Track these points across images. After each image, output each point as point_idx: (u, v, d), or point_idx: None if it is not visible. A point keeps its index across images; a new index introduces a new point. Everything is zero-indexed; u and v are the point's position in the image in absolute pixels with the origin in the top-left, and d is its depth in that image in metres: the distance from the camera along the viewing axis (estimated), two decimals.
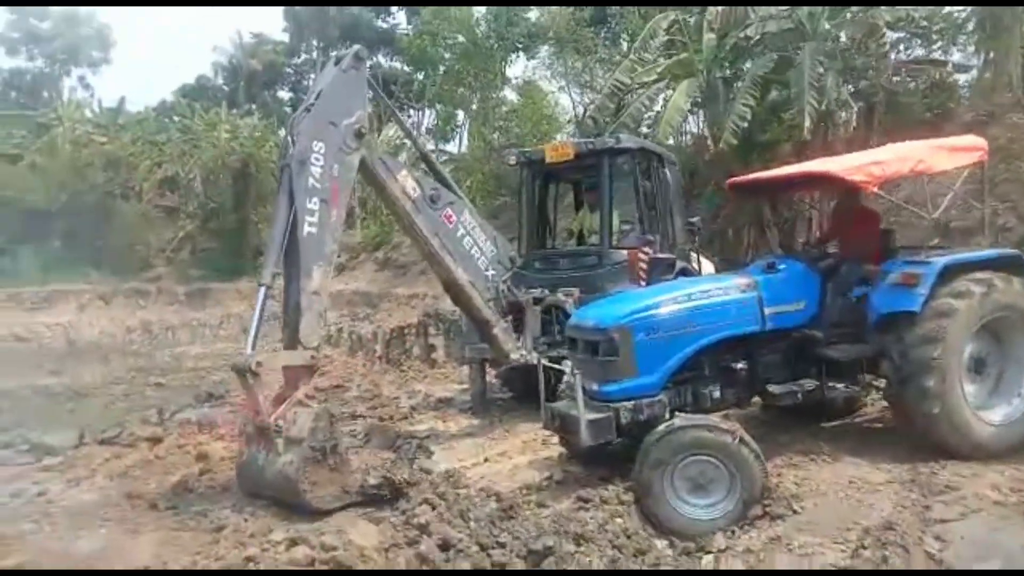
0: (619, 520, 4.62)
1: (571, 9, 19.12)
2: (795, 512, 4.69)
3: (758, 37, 12.83)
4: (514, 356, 7.68)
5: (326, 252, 6.11)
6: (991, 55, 14.89)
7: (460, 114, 26.92)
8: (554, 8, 20.59)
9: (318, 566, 4.36)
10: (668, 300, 5.40)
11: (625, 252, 7.92)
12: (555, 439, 6.95)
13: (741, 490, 4.74)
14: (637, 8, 16.72)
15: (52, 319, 22.56)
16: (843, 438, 6.19)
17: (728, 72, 12.77)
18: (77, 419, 10.26)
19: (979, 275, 5.54)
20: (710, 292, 5.51)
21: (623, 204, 8.84)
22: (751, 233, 13.21)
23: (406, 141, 26.99)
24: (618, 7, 17.95)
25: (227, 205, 24.46)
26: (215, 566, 4.52)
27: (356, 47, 6.83)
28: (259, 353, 5.77)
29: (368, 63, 6.76)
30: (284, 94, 38.37)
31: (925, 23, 13.61)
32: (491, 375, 9.03)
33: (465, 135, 28.77)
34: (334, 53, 8.14)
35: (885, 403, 6.70)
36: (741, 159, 12.84)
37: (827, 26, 12.43)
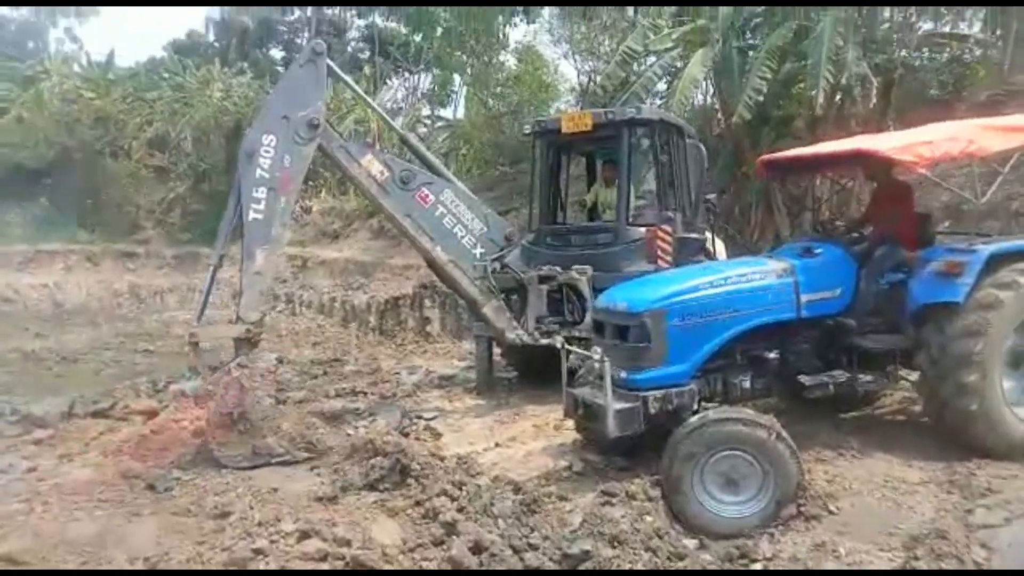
0: (648, 518, 4.38)
1: None
2: (831, 513, 4.49)
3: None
4: (509, 336, 7.53)
5: (272, 236, 6.53)
6: (1007, 32, 14.54)
7: (457, 79, 26.33)
8: None
9: (331, 562, 4.11)
10: (704, 284, 5.12)
11: (643, 230, 7.61)
12: (568, 424, 6.70)
13: (775, 488, 4.52)
14: None
15: (38, 280, 22.04)
16: (868, 431, 5.97)
17: (744, 42, 12.31)
18: (66, 386, 9.97)
19: None
20: (747, 276, 5.23)
21: (640, 179, 8.52)
22: (759, 213, 12.88)
23: (402, 104, 26.58)
24: None
25: (219, 167, 23.79)
26: (221, 558, 4.26)
27: (314, 41, 7.28)
28: (201, 326, 6.61)
29: (326, 55, 7.09)
30: (277, 52, 37.39)
31: None
32: (497, 353, 8.78)
33: (462, 100, 28.22)
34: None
35: (905, 395, 6.54)
36: (752, 134, 12.48)
37: None
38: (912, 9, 11.33)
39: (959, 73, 13.61)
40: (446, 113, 30.06)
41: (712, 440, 4.55)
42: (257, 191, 6.49)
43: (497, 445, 6.38)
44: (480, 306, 7.58)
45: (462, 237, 7.53)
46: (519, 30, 24.46)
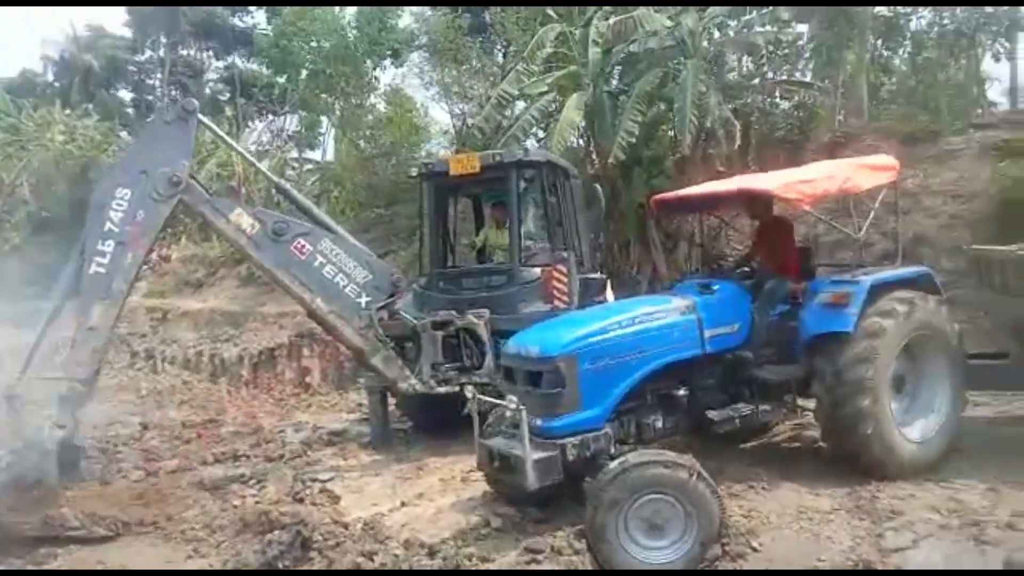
0: None
1: (449, 15, 18.72)
2: (755, 550, 4.51)
3: (642, 52, 12.99)
4: (402, 386, 7.25)
5: (112, 290, 6.33)
6: (835, 82, 16.02)
7: (325, 120, 25.82)
8: (429, 13, 20.14)
9: None
10: (613, 325, 5.08)
11: (538, 270, 7.57)
12: (475, 476, 6.46)
13: (699, 529, 4.47)
14: (518, 19, 16.52)
15: None
16: (770, 461, 6.11)
17: (614, 87, 12.77)
18: None
19: (901, 294, 5.64)
20: (653, 315, 5.25)
21: (528, 220, 8.50)
22: (636, 249, 13.29)
23: (267, 147, 25.63)
24: (499, 15, 17.69)
25: (63, 215, 21.84)
26: None
27: (186, 99, 7.15)
28: (22, 382, 6.23)
29: (197, 112, 6.92)
30: (125, 94, 35.23)
31: (771, 48, 14.27)
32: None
33: (331, 142, 27.68)
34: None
35: (796, 422, 6.79)
36: (626, 174, 12.88)
37: (707, 44, 12.75)
38: (763, 58, 12.17)
39: (804, 118, 14.77)
40: (314, 155, 29.39)
41: (635, 485, 4.45)
42: (103, 244, 6.30)
43: (403, 504, 6.01)
44: (368, 357, 7.25)
45: (344, 287, 7.17)
46: (388, 73, 24.43)
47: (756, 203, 6.26)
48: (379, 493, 6.41)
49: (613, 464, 4.56)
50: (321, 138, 29.19)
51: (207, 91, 32.27)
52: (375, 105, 23.30)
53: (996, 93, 23.58)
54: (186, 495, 6.59)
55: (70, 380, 6.12)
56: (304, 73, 23.22)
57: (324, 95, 23.35)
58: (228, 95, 31.83)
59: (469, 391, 5.33)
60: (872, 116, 15.92)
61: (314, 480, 6.72)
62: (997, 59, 21.04)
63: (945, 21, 19.02)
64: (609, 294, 8.31)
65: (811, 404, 5.79)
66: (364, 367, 7.64)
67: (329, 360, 13.18)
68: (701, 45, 12.74)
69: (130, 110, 33.24)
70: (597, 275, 7.54)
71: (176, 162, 6.57)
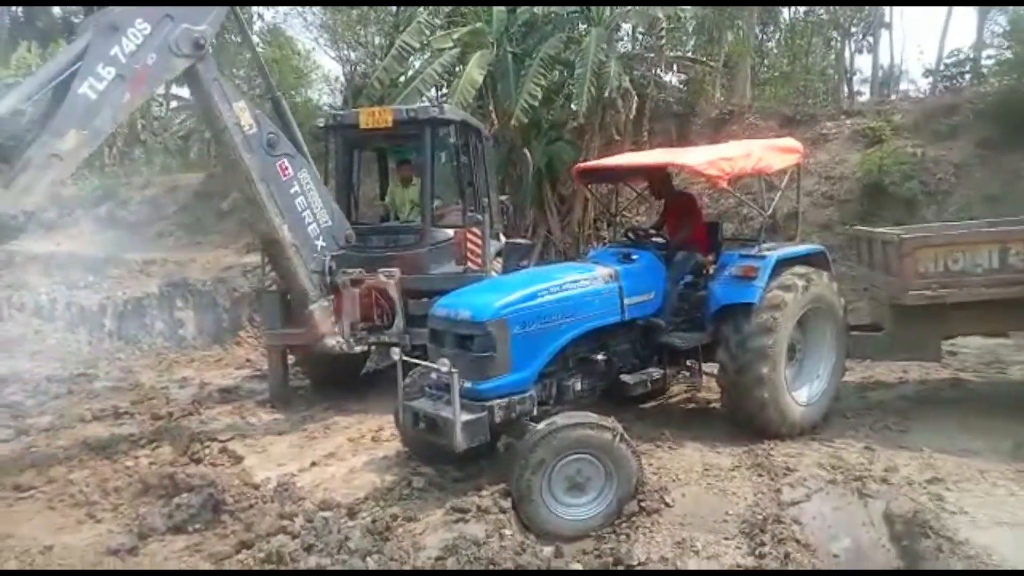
0: (507, 531, 4.30)
1: None
2: (668, 505, 4.75)
3: (545, 15, 12.99)
4: (329, 342, 6.94)
5: (95, 124, 5.39)
6: (717, 60, 16.77)
7: None
8: None
9: None
10: (542, 290, 5.13)
11: (451, 231, 7.50)
12: (385, 435, 6.45)
13: (618, 487, 4.68)
14: None
15: None
16: (672, 421, 6.47)
17: (519, 48, 12.72)
18: None
19: (799, 269, 6.06)
20: (579, 282, 5.36)
21: (441, 179, 8.38)
22: (532, 213, 13.45)
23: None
24: None
25: None
26: None
27: None
28: None
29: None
30: None
31: (670, 23, 14.71)
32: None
33: None
34: None
35: (689, 384, 7.19)
36: (525, 137, 12.95)
37: (610, 13, 12.92)
38: (662, 31, 12.49)
39: (695, 92, 15.38)
40: (183, 92, 27.36)
41: (562, 446, 4.58)
42: (104, 69, 5.33)
43: (314, 464, 5.87)
44: (310, 302, 6.81)
45: (309, 223, 6.77)
46: (268, 12, 23.02)
47: (657, 181, 6.51)
48: (286, 453, 6.23)
49: (541, 426, 4.67)
50: None
51: (59, 11, 29.16)
52: (256, 45, 21.94)
53: (858, 81, 25.54)
54: (69, 456, 6.12)
55: (13, 200, 5.17)
56: None
57: None
58: (82, 16, 28.86)
59: (395, 352, 5.25)
60: (753, 97, 16.80)
61: (212, 439, 6.41)
62: (860, 51, 22.72)
63: (820, 12, 20.25)
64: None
65: (714, 369, 6.16)
66: (295, 316, 7.11)
67: (205, 312, 12.55)
68: (605, 14, 12.91)
69: None
70: (524, 240, 7.56)
71: (204, 21, 5.86)
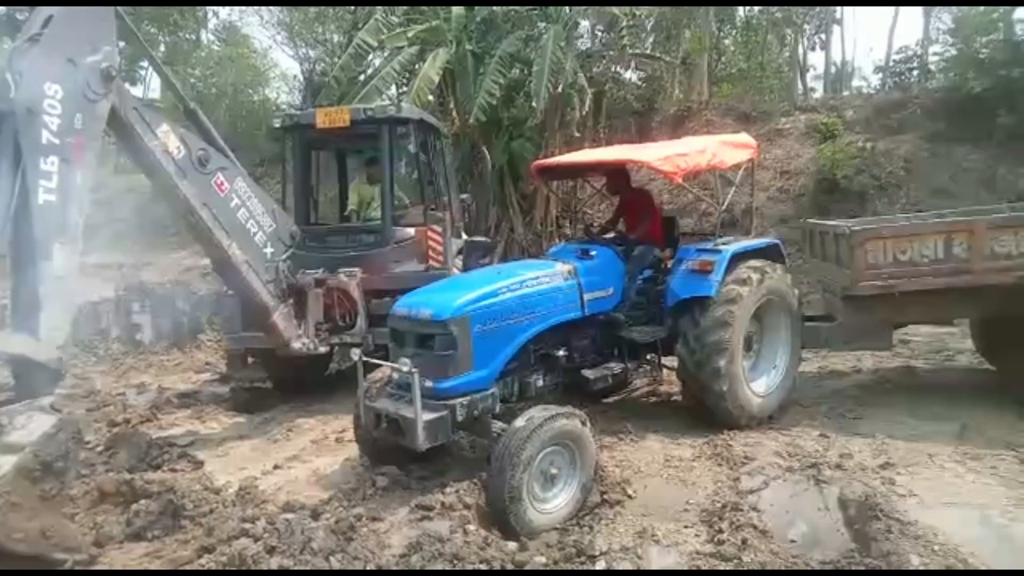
0: (471, 527, 4.32)
1: None
2: (630, 497, 4.82)
3: (504, 13, 13.01)
4: (295, 345, 6.83)
5: (69, 225, 4.78)
6: (675, 58, 16.97)
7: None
8: None
9: None
10: (502, 288, 5.15)
11: (411, 230, 7.49)
12: (348, 436, 6.39)
13: (581, 473, 4.70)
14: None
15: None
16: (633, 415, 6.56)
17: (478, 46, 12.73)
18: None
19: (754, 263, 6.19)
20: (539, 279, 5.40)
21: (400, 178, 8.36)
22: (495, 211, 13.48)
23: None
24: None
25: None
26: None
27: None
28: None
29: None
30: None
31: (628, 21, 14.85)
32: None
33: (155, 79, 25.35)
34: None
35: (650, 379, 7.28)
36: (485, 136, 12.97)
37: (568, 11, 13.00)
38: (622, 29, 12.61)
39: (654, 90, 15.55)
40: (135, 91, 26.80)
41: (545, 439, 4.51)
42: (46, 162, 4.73)
43: (276, 467, 5.83)
44: (271, 313, 6.57)
45: (255, 234, 6.45)
46: (223, 10, 22.70)
47: (614, 177, 6.58)
48: (247, 456, 6.18)
49: (521, 422, 4.55)
50: (143, 72, 26.70)
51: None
52: (212, 43, 21.66)
53: (811, 78, 26.03)
54: None
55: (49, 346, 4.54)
56: None
57: (147, 25, 21.33)
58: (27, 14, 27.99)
59: (355, 353, 5.23)
60: (711, 94, 17.04)
61: (171, 445, 6.31)
62: (813, 48, 23.16)
63: (774, 11, 20.59)
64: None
65: (674, 362, 6.26)
66: (260, 326, 6.78)
67: (162, 316, 12.33)
68: (563, 12, 12.97)
69: None
70: (483, 239, 7.57)
71: (103, 47, 5.08)
